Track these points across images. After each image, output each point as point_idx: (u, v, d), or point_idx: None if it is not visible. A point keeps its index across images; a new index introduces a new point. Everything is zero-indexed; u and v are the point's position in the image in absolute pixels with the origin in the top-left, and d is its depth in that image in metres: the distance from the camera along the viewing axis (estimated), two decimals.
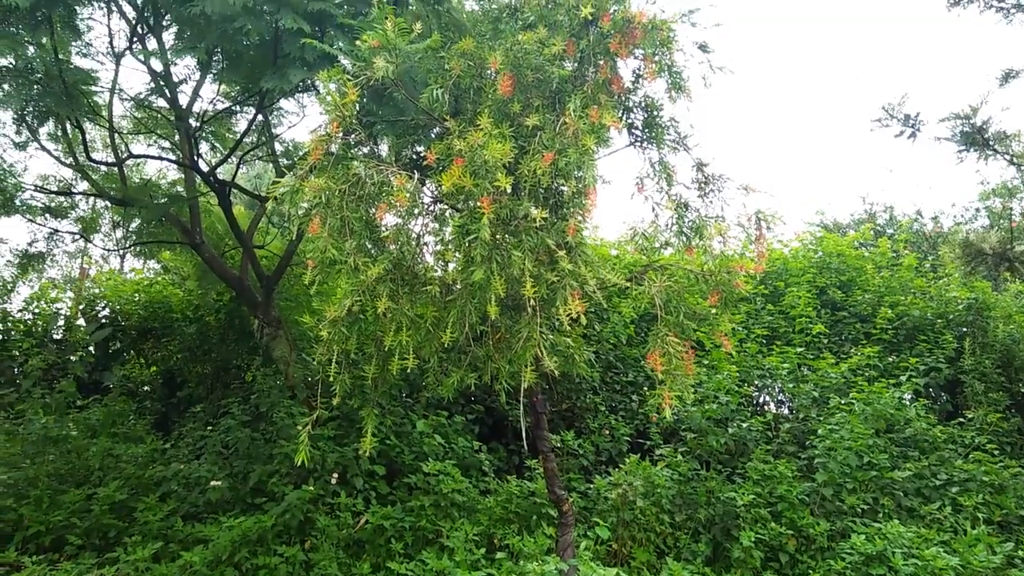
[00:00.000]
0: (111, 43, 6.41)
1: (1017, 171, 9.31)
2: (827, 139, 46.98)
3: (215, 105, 7.54)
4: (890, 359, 8.92)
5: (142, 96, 7.04)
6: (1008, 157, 7.56)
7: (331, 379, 3.84)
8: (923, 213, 17.70)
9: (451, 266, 4.16)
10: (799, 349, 8.46)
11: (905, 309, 9.62)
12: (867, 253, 11.57)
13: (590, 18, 3.78)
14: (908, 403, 7.71)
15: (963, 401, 8.68)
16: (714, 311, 4.03)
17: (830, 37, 57.55)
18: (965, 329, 9.33)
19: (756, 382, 8.38)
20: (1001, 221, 13.93)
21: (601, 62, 3.84)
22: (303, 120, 10.69)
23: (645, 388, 8.58)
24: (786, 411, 8.67)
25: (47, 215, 7.76)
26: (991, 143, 7.29)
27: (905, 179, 31.86)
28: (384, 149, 4.61)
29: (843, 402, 7.32)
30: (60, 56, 5.50)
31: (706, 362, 7.89)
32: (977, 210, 17.16)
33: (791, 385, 7.99)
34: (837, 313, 9.93)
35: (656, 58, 3.80)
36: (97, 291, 9.68)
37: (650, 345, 3.73)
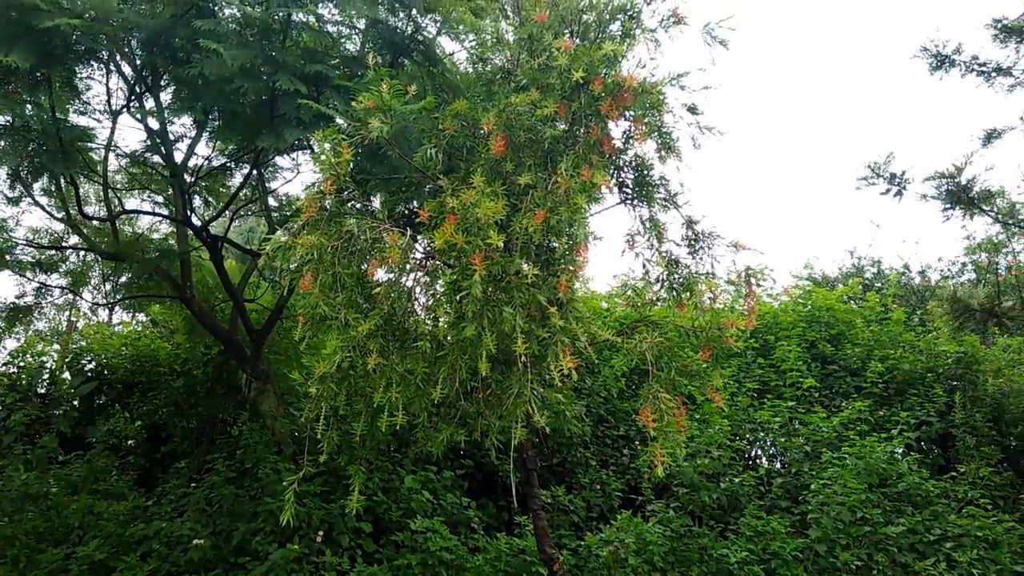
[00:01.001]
0: (109, 102, 6.49)
1: (1002, 227, 9.46)
2: (819, 172, 47.71)
3: (210, 162, 7.61)
4: (881, 413, 8.90)
5: (137, 153, 7.11)
6: (993, 214, 7.68)
7: (319, 436, 3.80)
8: (910, 267, 17.84)
9: (442, 321, 4.16)
10: (790, 403, 8.45)
11: (895, 363, 9.65)
12: (856, 307, 11.64)
13: (581, 82, 3.87)
14: (900, 457, 7.67)
15: (955, 455, 8.65)
16: (705, 366, 4.03)
17: (824, 55, 58.75)
18: (955, 383, 9.36)
19: (748, 436, 8.35)
20: (987, 275, 14.06)
21: (592, 123, 3.91)
22: (297, 176, 10.79)
23: (636, 442, 8.50)
24: (778, 465, 8.60)
25: (36, 268, 7.72)
26: (976, 201, 7.41)
27: (892, 231, 32.38)
28: (377, 205, 4.66)
29: (835, 456, 7.28)
30: (58, 114, 5.56)
31: (698, 416, 7.85)
32: (964, 264, 17.28)
33: (783, 439, 7.96)
34: (827, 367, 9.94)
35: (646, 120, 3.88)
36: (83, 344, 9.59)
37: (642, 401, 3.72)
